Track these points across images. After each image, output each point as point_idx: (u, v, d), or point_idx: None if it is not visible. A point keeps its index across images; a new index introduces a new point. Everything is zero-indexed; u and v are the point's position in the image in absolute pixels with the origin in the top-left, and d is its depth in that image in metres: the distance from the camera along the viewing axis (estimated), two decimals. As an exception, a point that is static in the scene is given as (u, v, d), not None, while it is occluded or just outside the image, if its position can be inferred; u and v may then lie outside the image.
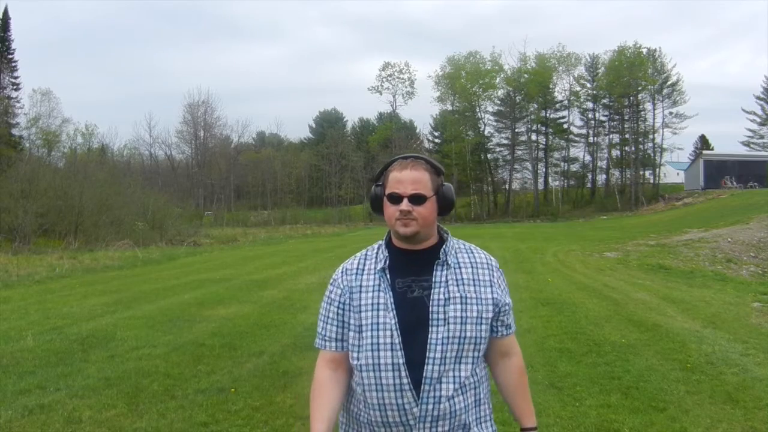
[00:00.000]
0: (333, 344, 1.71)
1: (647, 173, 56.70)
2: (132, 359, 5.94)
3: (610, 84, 54.37)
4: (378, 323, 1.62)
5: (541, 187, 58.48)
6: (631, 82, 53.13)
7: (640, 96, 54.95)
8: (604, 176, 59.53)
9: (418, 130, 68.08)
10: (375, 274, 1.68)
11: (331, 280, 1.76)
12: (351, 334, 1.67)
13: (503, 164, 60.66)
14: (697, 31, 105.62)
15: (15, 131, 40.82)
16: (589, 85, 58.03)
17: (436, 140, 65.69)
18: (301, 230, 42.27)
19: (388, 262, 1.68)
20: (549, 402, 4.48)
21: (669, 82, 54.70)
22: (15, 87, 41.95)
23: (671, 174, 61.06)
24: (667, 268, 13.83)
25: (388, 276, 1.66)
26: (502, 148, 61.24)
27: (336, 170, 61.94)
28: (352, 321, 1.67)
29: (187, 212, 46.98)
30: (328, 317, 1.73)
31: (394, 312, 1.62)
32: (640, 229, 27.50)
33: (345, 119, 73.21)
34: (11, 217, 24.28)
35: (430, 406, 1.59)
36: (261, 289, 11.14)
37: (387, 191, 1.67)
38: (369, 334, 1.62)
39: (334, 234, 38.34)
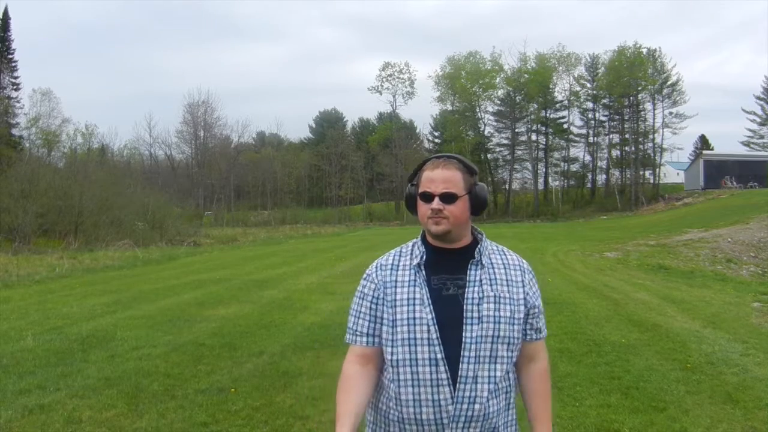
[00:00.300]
0: (364, 339, 1.69)
1: (647, 173, 56.69)
2: (132, 359, 5.94)
3: (610, 84, 54.36)
4: (414, 318, 1.61)
5: (541, 187, 58.50)
6: (631, 82, 53.13)
7: (640, 96, 54.94)
8: (604, 176, 59.56)
9: (418, 130, 68.14)
10: (410, 269, 1.67)
11: (365, 275, 1.75)
12: (384, 329, 1.66)
13: (503, 164, 60.70)
14: (697, 31, 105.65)
15: (15, 131, 40.91)
16: (589, 85, 58.03)
17: (436, 140, 65.65)
18: (301, 230, 42.28)
19: (424, 258, 1.68)
20: (549, 402, 4.47)
21: (669, 82, 54.69)
22: (15, 87, 42.04)
23: (671, 174, 61.06)
24: (667, 268, 13.83)
25: (424, 272, 1.66)
26: (502, 148, 61.32)
27: (336, 170, 61.92)
28: (385, 315, 1.65)
29: (187, 212, 46.96)
30: (360, 312, 1.71)
31: (431, 307, 1.61)
32: (640, 229, 27.50)
33: (345, 119, 73.24)
34: (11, 217, 24.29)
35: (465, 406, 1.58)
36: (261, 289, 11.14)
37: (420, 190, 1.69)
38: (405, 328, 1.61)
39: (334, 234, 38.33)
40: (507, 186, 59.62)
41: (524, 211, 53.72)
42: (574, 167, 60.10)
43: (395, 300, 1.64)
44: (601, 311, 8.27)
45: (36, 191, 26.40)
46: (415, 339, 1.60)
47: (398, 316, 1.62)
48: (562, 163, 60.30)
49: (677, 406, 4.42)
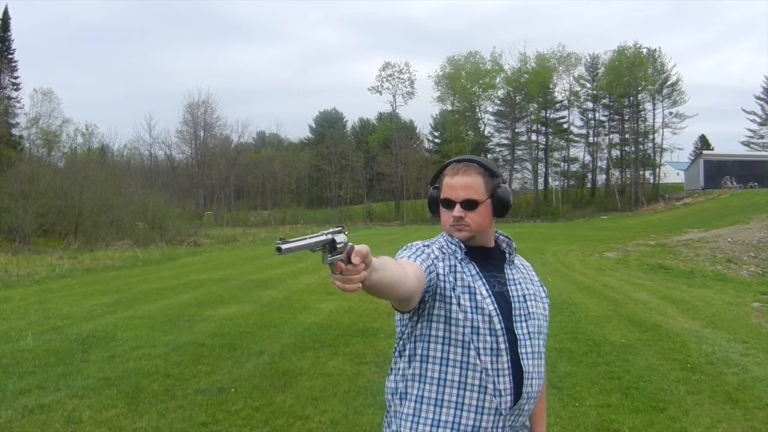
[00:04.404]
0: (422, 264, 1.54)
1: (647, 173, 56.66)
2: (132, 359, 5.94)
3: (610, 84, 54.34)
4: (476, 307, 1.57)
5: (541, 187, 58.47)
6: (631, 82, 53.11)
7: (640, 96, 54.92)
8: (604, 176, 59.54)
9: (418, 130, 67.99)
10: (462, 261, 1.64)
11: (421, 244, 1.65)
12: (436, 304, 1.58)
13: (503, 164, 60.61)
14: (699, 32, 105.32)
15: (15, 131, 40.84)
16: (589, 85, 57.98)
17: (436, 140, 65.62)
18: (302, 230, 42.21)
19: (465, 252, 1.65)
20: (549, 402, 4.46)
21: (669, 82, 54.71)
22: (15, 87, 41.97)
23: (671, 174, 61.03)
24: (667, 268, 13.84)
25: (475, 266, 1.64)
26: (502, 148, 61.22)
27: (336, 170, 61.89)
28: (446, 293, 1.58)
29: (187, 212, 46.92)
30: (418, 256, 1.58)
31: (492, 299, 1.59)
32: (640, 229, 27.50)
33: (345, 119, 73.10)
34: (11, 217, 24.28)
35: (524, 401, 1.59)
36: (261, 289, 11.14)
37: (441, 196, 1.67)
38: (470, 316, 1.57)
39: (334, 234, 38.20)
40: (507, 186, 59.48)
41: (524, 211, 53.63)
42: (574, 167, 60.11)
43: (455, 285, 1.58)
44: (601, 311, 8.27)
45: (36, 191, 26.39)
46: (478, 328, 1.56)
47: (461, 302, 1.57)
48: (562, 163, 60.32)
49: (677, 406, 4.42)
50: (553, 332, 6.85)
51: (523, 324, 1.61)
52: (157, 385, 5.04)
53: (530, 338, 1.61)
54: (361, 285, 1.20)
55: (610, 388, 4.85)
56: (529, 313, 1.63)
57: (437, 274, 1.57)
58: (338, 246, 1.18)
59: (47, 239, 24.88)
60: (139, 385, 5.06)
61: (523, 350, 1.59)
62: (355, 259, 1.18)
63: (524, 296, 1.65)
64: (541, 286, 1.76)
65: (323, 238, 1.17)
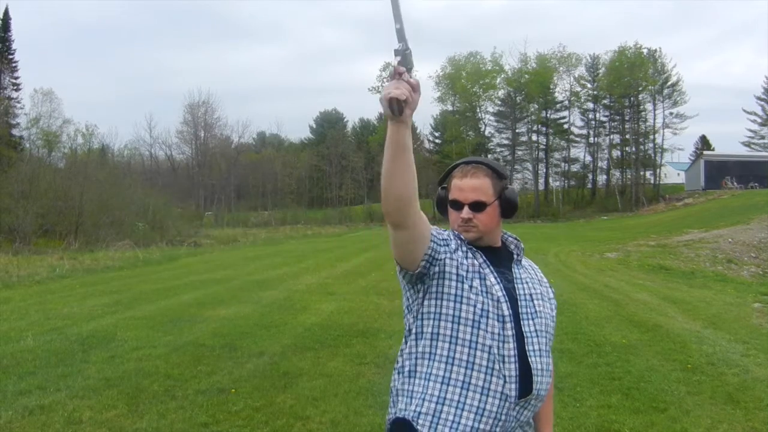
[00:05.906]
0: (433, 229, 1.56)
1: (648, 174, 56.72)
2: (132, 360, 5.94)
3: (610, 84, 54.37)
4: (486, 292, 1.58)
5: (541, 187, 58.51)
6: (631, 82, 53.16)
7: (640, 96, 54.98)
8: (604, 177, 59.57)
9: (418, 131, 67.93)
10: (470, 250, 1.65)
11: (439, 229, 1.64)
12: (445, 282, 1.59)
13: (504, 165, 60.21)
14: (699, 32, 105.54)
15: (15, 131, 40.83)
16: (589, 86, 58.03)
17: (437, 141, 65.67)
18: (302, 231, 42.24)
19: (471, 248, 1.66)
20: (549, 403, 4.48)
21: (669, 83, 54.74)
22: (15, 87, 42.01)
23: (672, 174, 61.08)
24: (668, 269, 13.83)
25: (485, 259, 1.65)
26: (502, 149, 61.31)
27: (336, 171, 61.95)
28: (460, 272, 1.59)
29: (188, 213, 46.96)
30: (434, 228, 1.59)
31: (501, 285, 1.60)
32: (640, 229, 27.49)
33: (345, 119, 73.23)
34: (12, 218, 24.31)
35: (532, 396, 1.60)
36: (261, 289, 11.13)
37: (450, 197, 1.69)
38: (480, 299, 1.57)
39: (334, 234, 38.32)
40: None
41: (525, 212, 53.60)
42: (575, 168, 60.14)
43: (468, 268, 1.60)
44: (601, 312, 8.26)
45: (36, 191, 26.43)
46: (487, 311, 1.56)
47: (473, 284, 1.58)
48: (562, 164, 60.34)
49: (678, 406, 4.42)
50: (554, 332, 6.86)
51: (530, 322, 1.63)
52: (157, 386, 5.04)
53: (537, 336, 1.63)
54: (405, 95, 1.33)
55: (610, 389, 4.84)
56: (536, 311, 1.65)
57: (449, 253, 1.59)
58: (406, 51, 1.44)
59: (48, 240, 24.90)
60: (139, 385, 5.06)
61: (531, 347, 1.60)
62: (407, 77, 1.37)
63: (531, 295, 1.67)
64: (549, 287, 1.79)
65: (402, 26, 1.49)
